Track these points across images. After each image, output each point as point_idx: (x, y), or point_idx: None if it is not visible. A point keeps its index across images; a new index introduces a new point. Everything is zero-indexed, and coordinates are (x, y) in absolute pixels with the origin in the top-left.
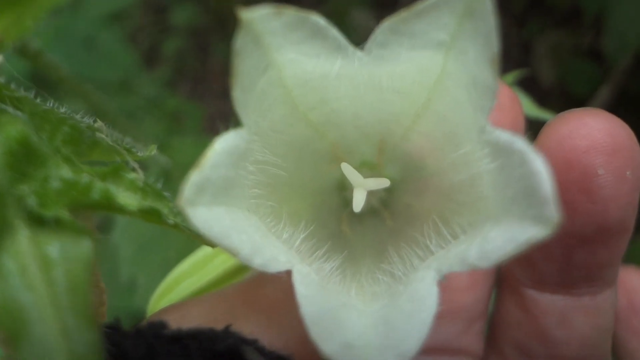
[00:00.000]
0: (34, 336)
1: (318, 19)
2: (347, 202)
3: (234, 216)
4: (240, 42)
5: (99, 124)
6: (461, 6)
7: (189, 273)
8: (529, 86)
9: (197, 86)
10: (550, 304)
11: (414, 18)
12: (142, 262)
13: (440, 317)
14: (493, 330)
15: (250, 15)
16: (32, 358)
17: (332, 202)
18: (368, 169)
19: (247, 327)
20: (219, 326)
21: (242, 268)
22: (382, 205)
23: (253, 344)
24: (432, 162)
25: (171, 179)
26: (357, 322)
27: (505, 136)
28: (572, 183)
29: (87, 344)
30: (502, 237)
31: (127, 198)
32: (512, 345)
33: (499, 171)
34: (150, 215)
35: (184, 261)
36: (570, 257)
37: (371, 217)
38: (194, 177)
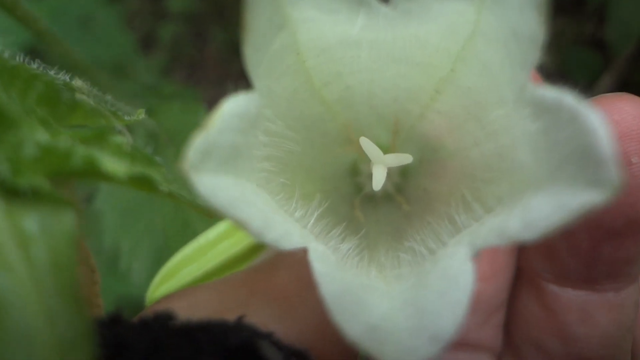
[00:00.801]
0: (13, 323)
1: None
2: (360, 187)
3: (243, 188)
4: None
5: (79, 82)
6: None
7: (191, 259)
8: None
9: (193, 73)
10: (572, 300)
11: None
12: (125, 228)
13: None
14: (508, 327)
15: None
16: (13, 348)
17: (343, 187)
18: (382, 151)
19: (259, 318)
20: (230, 316)
21: (245, 256)
22: (396, 191)
23: (268, 337)
24: (451, 143)
25: (158, 146)
26: (381, 302)
27: (551, 93)
28: None
29: (75, 328)
30: (549, 205)
31: (114, 164)
32: (530, 343)
33: (542, 133)
34: (141, 182)
35: (186, 247)
36: (596, 251)
37: (385, 203)
38: (200, 141)
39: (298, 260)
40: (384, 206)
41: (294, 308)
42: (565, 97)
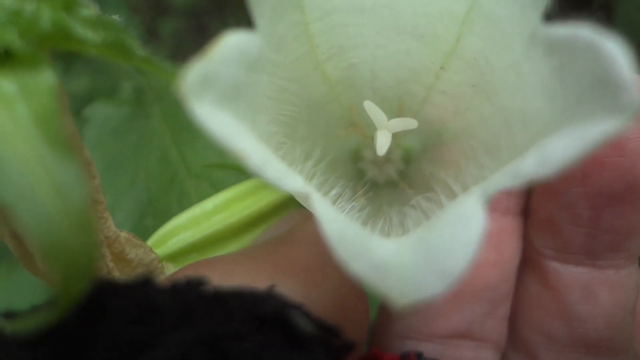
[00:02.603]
0: (7, 171)
1: None
2: (363, 173)
3: (244, 128)
4: None
5: None
6: None
7: (184, 228)
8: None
9: None
10: (574, 277)
11: None
12: (109, 181)
13: (462, 296)
14: (513, 317)
15: None
16: (12, 196)
17: (346, 174)
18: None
19: (284, 291)
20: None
21: (244, 227)
22: (400, 177)
23: (299, 308)
24: (455, 124)
25: (144, 102)
26: (388, 243)
27: (565, 29)
28: None
29: (69, 172)
30: (565, 139)
31: (85, 31)
32: (533, 328)
33: (556, 72)
34: (116, 49)
35: (181, 214)
36: (597, 219)
37: (389, 190)
38: (199, 66)
39: (318, 236)
40: (387, 193)
41: (317, 283)
42: (581, 30)
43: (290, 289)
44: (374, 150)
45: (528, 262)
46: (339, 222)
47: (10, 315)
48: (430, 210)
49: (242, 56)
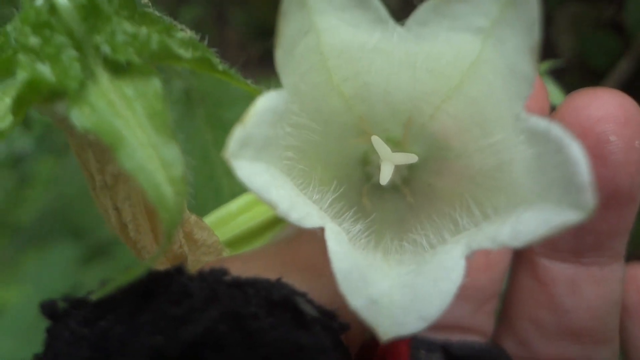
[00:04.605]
0: (129, 147)
1: None
2: (369, 176)
3: (272, 172)
4: (287, 4)
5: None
6: None
7: (214, 226)
8: (548, 58)
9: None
10: (561, 272)
11: (458, 1)
12: None
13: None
14: (507, 306)
15: None
16: (131, 163)
17: (354, 175)
18: (393, 145)
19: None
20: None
21: (263, 229)
22: (403, 182)
23: (304, 296)
24: (457, 144)
25: (191, 103)
26: (383, 281)
27: (542, 123)
28: (587, 149)
29: (171, 153)
30: (536, 219)
31: (181, 49)
32: (524, 318)
33: (535, 158)
34: (203, 63)
35: (211, 213)
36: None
37: (391, 193)
38: (238, 133)
39: (319, 237)
40: (390, 196)
41: (320, 277)
42: (553, 128)
43: (296, 282)
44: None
45: (521, 258)
46: (345, 261)
47: (68, 299)
48: (421, 246)
49: (272, 115)
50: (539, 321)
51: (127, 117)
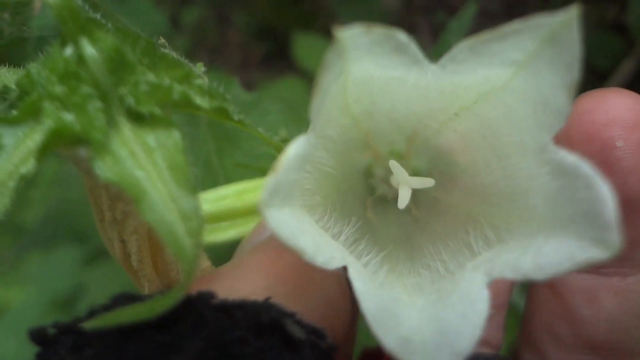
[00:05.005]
0: (150, 200)
1: (401, 36)
2: (372, 189)
3: (296, 214)
4: (329, 57)
5: (162, 41)
6: (545, 32)
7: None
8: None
9: (215, 57)
10: (578, 283)
11: (496, 40)
12: None
13: None
14: (525, 317)
15: (342, 34)
16: (152, 215)
17: (358, 188)
18: (396, 158)
19: (276, 299)
20: (255, 297)
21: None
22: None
23: (292, 317)
24: (464, 161)
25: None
26: (411, 317)
27: (570, 158)
28: (592, 156)
29: (191, 206)
30: (559, 253)
31: (200, 99)
32: (541, 329)
33: (559, 190)
34: (220, 113)
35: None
36: None
37: (395, 207)
38: (271, 182)
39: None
40: (394, 209)
41: (303, 288)
42: (583, 165)
43: (283, 296)
44: (384, 169)
45: None
46: (373, 300)
47: (57, 326)
48: (437, 271)
49: (300, 161)
50: (555, 332)
51: (148, 169)
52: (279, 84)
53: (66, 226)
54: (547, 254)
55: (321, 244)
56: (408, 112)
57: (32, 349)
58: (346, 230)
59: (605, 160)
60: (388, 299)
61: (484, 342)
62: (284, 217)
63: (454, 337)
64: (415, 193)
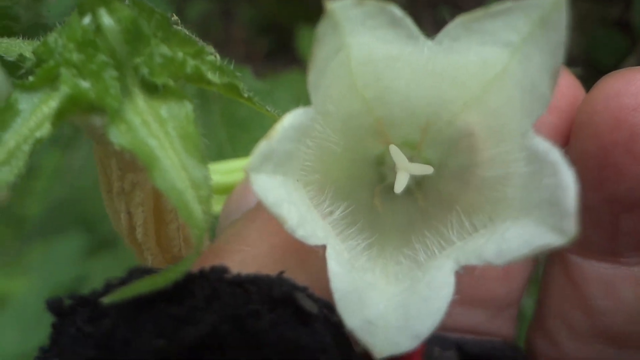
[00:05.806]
0: (163, 167)
1: (395, 9)
2: (382, 177)
3: (288, 186)
4: (321, 30)
5: (175, 18)
6: (537, 14)
7: None
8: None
9: (219, 52)
10: (596, 272)
11: (489, 18)
12: None
13: (471, 304)
14: (540, 304)
15: (333, 5)
16: (164, 182)
17: (368, 174)
18: (409, 148)
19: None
20: (265, 271)
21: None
22: (416, 186)
23: (304, 290)
24: (471, 153)
25: (207, 99)
26: (379, 302)
27: (543, 144)
28: (618, 144)
29: (201, 175)
30: (518, 239)
31: (212, 74)
32: (556, 317)
33: (530, 176)
34: (231, 89)
35: None
36: (617, 224)
37: (404, 195)
38: (262, 147)
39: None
40: (402, 197)
41: (305, 261)
42: (552, 152)
43: (293, 269)
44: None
45: (553, 254)
46: (344, 282)
47: (73, 297)
48: (417, 262)
49: (296, 132)
50: (570, 322)
51: (160, 138)
52: (283, 78)
53: (72, 215)
54: (508, 239)
55: (307, 218)
56: (421, 101)
57: (35, 339)
58: (338, 212)
59: (633, 149)
60: (361, 282)
61: (492, 334)
62: (272, 183)
63: (414, 322)
64: (424, 185)
